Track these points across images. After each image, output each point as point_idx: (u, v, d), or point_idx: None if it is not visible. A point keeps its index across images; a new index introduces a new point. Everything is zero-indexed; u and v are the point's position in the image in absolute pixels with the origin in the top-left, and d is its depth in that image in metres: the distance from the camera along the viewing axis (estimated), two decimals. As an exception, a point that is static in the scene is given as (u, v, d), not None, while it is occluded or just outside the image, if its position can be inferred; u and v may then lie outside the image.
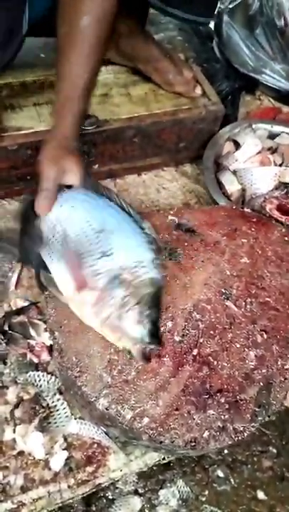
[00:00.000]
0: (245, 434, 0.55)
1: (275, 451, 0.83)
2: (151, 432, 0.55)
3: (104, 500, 0.73)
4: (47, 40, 1.03)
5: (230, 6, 1.17)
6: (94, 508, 0.72)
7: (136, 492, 0.75)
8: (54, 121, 0.73)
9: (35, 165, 0.70)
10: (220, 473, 0.79)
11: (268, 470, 0.81)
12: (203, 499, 0.76)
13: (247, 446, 0.82)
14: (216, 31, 1.23)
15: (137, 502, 0.73)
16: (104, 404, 0.56)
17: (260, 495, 0.78)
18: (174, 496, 0.75)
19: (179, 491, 0.75)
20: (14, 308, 0.79)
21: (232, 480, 0.78)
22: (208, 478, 0.78)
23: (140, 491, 0.75)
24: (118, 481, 0.74)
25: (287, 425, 0.85)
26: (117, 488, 0.74)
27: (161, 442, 0.55)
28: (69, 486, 0.65)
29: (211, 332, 0.62)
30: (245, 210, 0.87)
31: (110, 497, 0.74)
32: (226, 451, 0.80)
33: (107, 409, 0.56)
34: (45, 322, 0.75)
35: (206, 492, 0.77)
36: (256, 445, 0.82)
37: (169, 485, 0.76)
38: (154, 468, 0.75)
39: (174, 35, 1.26)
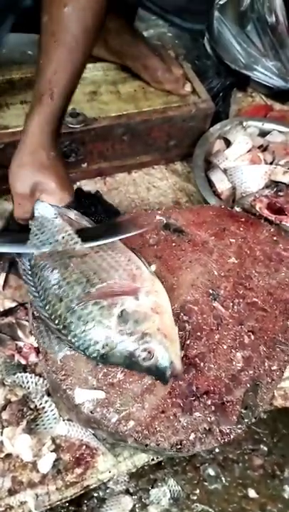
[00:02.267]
0: (232, 436, 0.55)
1: (266, 449, 0.83)
2: (136, 435, 0.54)
3: (96, 500, 0.73)
4: (34, 36, 1.02)
5: (221, 3, 1.16)
6: (85, 508, 0.72)
7: (127, 491, 0.75)
8: (24, 126, 0.63)
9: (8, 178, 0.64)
10: (211, 472, 0.79)
11: (259, 468, 0.81)
12: (195, 498, 0.76)
13: (238, 445, 0.82)
14: (207, 28, 1.22)
15: (128, 501, 0.73)
16: (89, 407, 0.55)
17: (251, 493, 0.78)
18: (165, 495, 0.75)
19: (170, 490, 0.75)
20: (2, 310, 0.79)
21: (223, 478, 0.79)
22: (199, 477, 0.78)
23: (131, 490, 0.75)
24: (109, 480, 0.74)
25: (279, 423, 0.86)
26: (108, 487, 0.74)
27: (146, 445, 0.54)
28: (57, 488, 0.65)
29: (198, 333, 0.61)
30: (235, 209, 0.87)
31: (101, 497, 0.74)
32: (217, 450, 0.81)
33: (92, 412, 0.55)
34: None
35: (197, 491, 0.77)
36: (247, 443, 0.83)
37: (160, 484, 0.76)
38: (145, 467, 0.75)
39: (164, 31, 1.25)
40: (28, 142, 0.62)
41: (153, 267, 0.62)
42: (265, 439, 0.84)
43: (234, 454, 0.81)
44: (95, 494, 0.74)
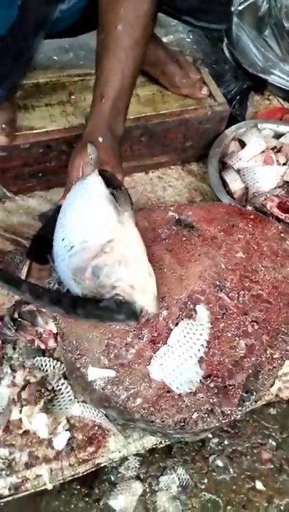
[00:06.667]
0: (232, 418, 0.58)
1: (274, 444, 0.83)
2: (143, 411, 0.58)
3: (107, 484, 0.76)
4: (59, 42, 1.07)
5: (240, 8, 1.19)
6: (97, 491, 0.75)
7: (138, 477, 0.77)
8: (87, 121, 0.75)
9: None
10: (219, 463, 0.80)
11: (267, 462, 0.82)
12: (203, 487, 0.77)
13: (247, 438, 0.83)
14: (226, 33, 1.25)
15: (138, 487, 0.76)
16: (100, 384, 0.60)
17: (259, 485, 0.78)
18: (174, 483, 0.77)
19: (179, 478, 0.77)
20: (23, 298, 0.83)
21: (231, 470, 0.79)
22: (208, 467, 0.79)
23: (142, 476, 0.77)
24: (121, 465, 0.77)
25: (288, 420, 0.87)
26: (119, 472, 0.77)
27: (152, 422, 0.58)
28: (70, 464, 0.69)
29: (204, 321, 0.64)
30: (247, 207, 0.90)
31: (113, 481, 0.77)
32: (226, 442, 0.82)
33: (103, 389, 0.59)
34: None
35: (206, 480, 0.78)
36: (256, 437, 0.83)
37: (169, 472, 0.78)
38: (156, 455, 0.78)
39: (183, 37, 1.28)
40: (88, 131, 0.73)
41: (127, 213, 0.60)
42: (274, 434, 0.84)
43: (243, 447, 0.82)
44: (107, 478, 0.77)
